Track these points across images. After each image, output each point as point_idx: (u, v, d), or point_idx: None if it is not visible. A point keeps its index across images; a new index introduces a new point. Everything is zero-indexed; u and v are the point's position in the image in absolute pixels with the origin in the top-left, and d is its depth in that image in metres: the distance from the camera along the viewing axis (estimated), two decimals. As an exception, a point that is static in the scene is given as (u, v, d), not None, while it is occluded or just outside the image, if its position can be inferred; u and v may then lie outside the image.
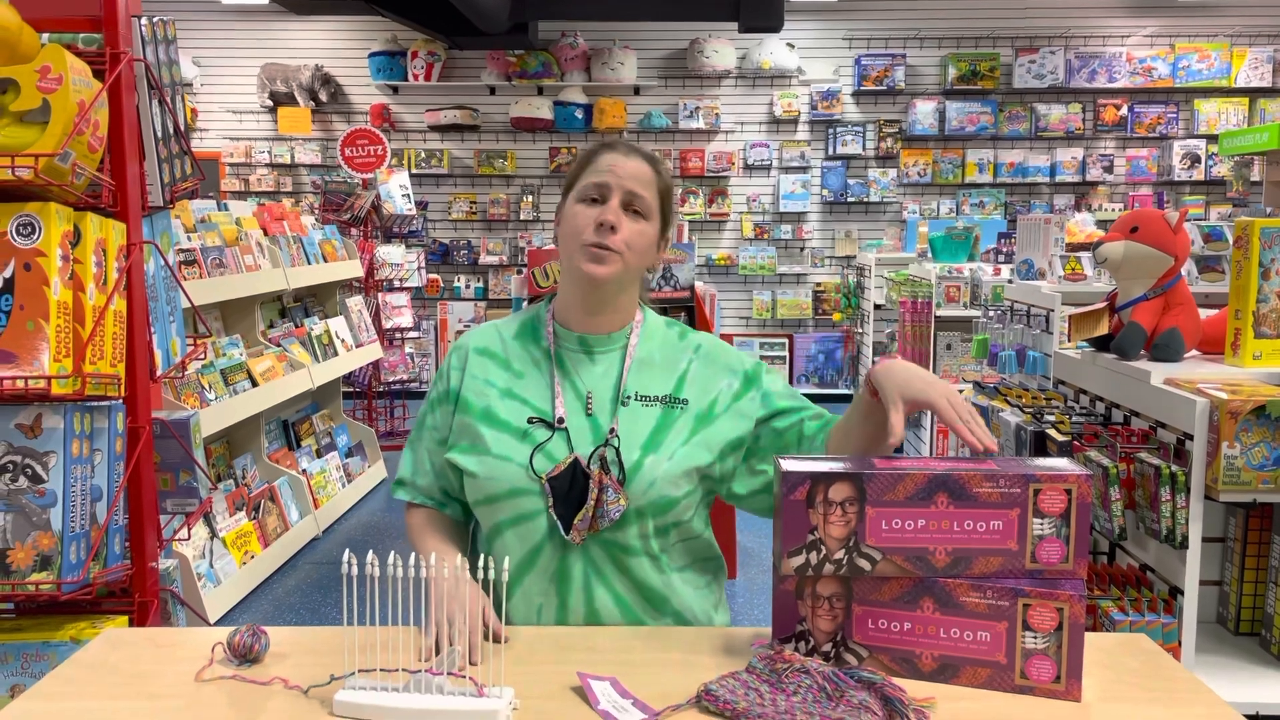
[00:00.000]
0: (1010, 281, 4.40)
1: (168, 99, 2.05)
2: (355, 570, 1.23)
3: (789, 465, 1.30)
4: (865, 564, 1.29)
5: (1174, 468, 1.84)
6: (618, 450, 1.53)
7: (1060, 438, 2.07)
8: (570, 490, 1.51)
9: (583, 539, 1.52)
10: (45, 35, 1.90)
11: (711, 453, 1.58)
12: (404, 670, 1.27)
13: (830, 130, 8.40)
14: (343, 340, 5.49)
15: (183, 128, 2.11)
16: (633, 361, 1.60)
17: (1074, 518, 1.26)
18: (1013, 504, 1.26)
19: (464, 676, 1.23)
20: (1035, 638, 1.26)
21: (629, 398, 1.57)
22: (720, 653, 1.40)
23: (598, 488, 1.50)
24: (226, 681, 1.31)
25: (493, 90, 8.50)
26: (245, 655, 1.36)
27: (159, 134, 2.02)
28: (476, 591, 1.43)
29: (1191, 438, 1.84)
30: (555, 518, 1.51)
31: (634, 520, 1.53)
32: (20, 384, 1.68)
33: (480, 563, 1.26)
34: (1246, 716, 1.24)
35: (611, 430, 1.54)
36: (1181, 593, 1.89)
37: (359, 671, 1.26)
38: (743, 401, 1.61)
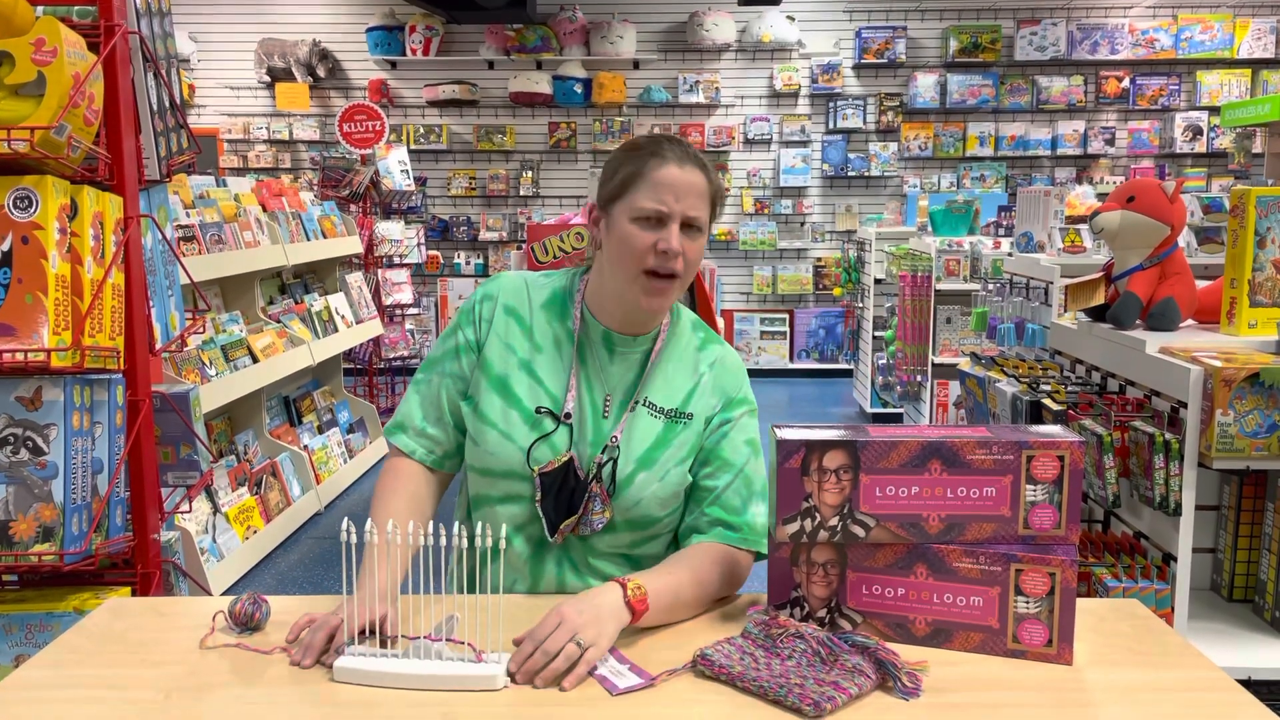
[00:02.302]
0: (1010, 254, 4.39)
1: (163, 72, 2.05)
2: (354, 538, 1.24)
3: (784, 434, 1.31)
4: (859, 530, 1.30)
5: (1168, 435, 1.85)
6: (615, 460, 1.51)
7: (1055, 407, 2.08)
8: (560, 489, 1.50)
9: (563, 540, 1.52)
10: (40, 8, 1.89)
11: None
12: (403, 636, 1.28)
13: (831, 104, 8.36)
14: (343, 317, 5.49)
15: (178, 101, 2.11)
16: (652, 367, 1.56)
17: (1066, 484, 1.27)
18: (1005, 470, 1.27)
19: (462, 643, 1.25)
20: (1027, 602, 1.28)
21: (638, 403, 1.54)
22: (716, 619, 1.42)
23: (586, 496, 1.49)
24: (229, 649, 1.33)
25: (491, 65, 8.46)
26: (246, 623, 1.37)
27: (154, 107, 2.02)
28: (380, 586, 1.35)
29: (1186, 405, 1.85)
30: (540, 511, 1.51)
31: (615, 531, 1.53)
32: (20, 357, 1.69)
33: (479, 529, 1.27)
34: (1239, 681, 1.25)
35: (614, 438, 1.52)
36: (1175, 559, 1.90)
37: (359, 638, 1.28)
38: (711, 424, 1.57)
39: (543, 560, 1.55)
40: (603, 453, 1.51)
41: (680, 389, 1.57)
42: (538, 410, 1.52)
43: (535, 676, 1.22)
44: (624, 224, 1.48)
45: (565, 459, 1.50)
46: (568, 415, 1.52)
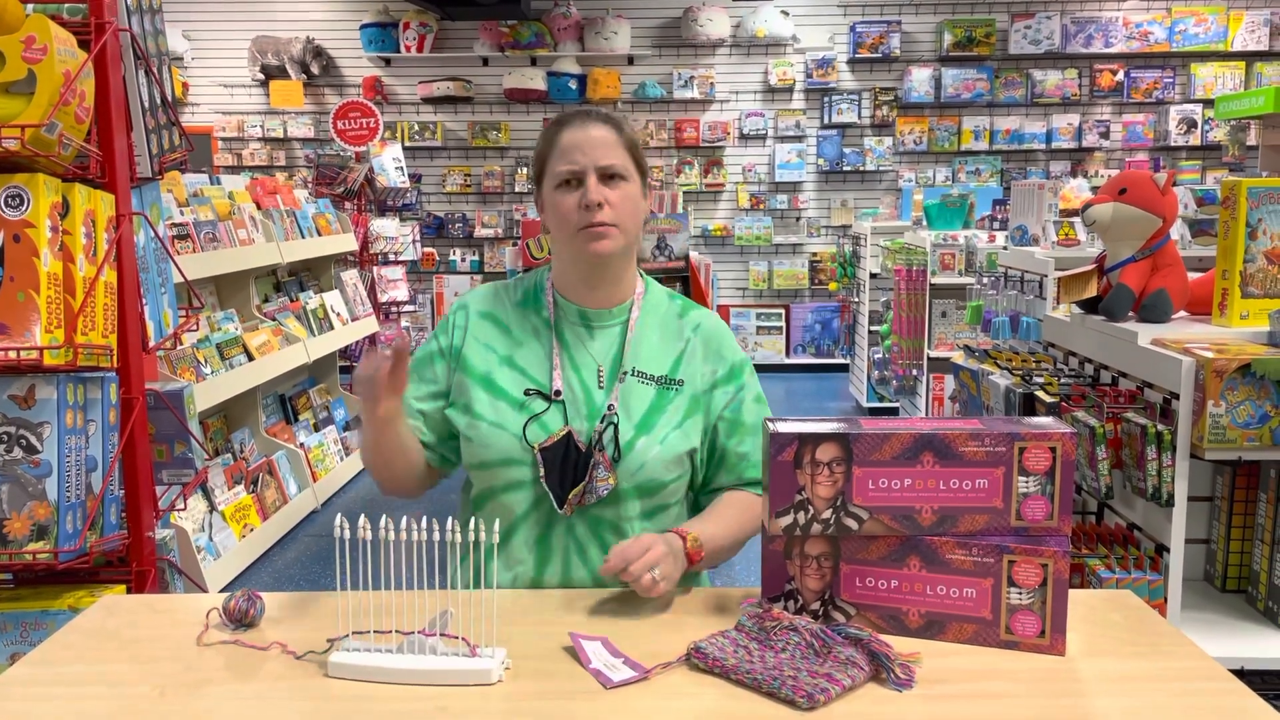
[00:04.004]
0: (1005, 248, 4.39)
1: (154, 69, 2.05)
2: (348, 534, 1.24)
3: (777, 427, 1.31)
4: (852, 523, 1.30)
5: (1160, 427, 1.85)
6: (615, 426, 1.54)
7: (1048, 399, 2.09)
8: (563, 463, 1.52)
9: (573, 511, 1.53)
10: (30, 5, 1.89)
11: (697, 437, 1.59)
12: (398, 632, 1.29)
13: (825, 99, 8.36)
14: (338, 314, 5.49)
15: (170, 98, 2.10)
16: (633, 336, 1.60)
17: (1058, 475, 1.27)
18: (998, 462, 1.28)
19: (457, 638, 1.25)
20: (1020, 594, 1.28)
21: (626, 373, 1.58)
22: (710, 612, 1.42)
23: (591, 464, 1.51)
24: (224, 646, 1.33)
25: (485, 61, 8.45)
26: (241, 620, 1.37)
27: (146, 104, 2.01)
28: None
29: (1178, 397, 1.86)
30: (545, 488, 1.53)
31: (622, 500, 1.54)
32: (12, 355, 1.69)
33: (472, 524, 1.28)
34: (1232, 671, 1.26)
35: (610, 407, 1.55)
36: (1168, 550, 1.91)
37: (353, 634, 1.28)
38: (717, 392, 1.62)
39: (549, 544, 1.56)
40: (601, 421, 1.54)
41: (667, 356, 1.61)
42: (526, 392, 1.56)
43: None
44: (551, 195, 1.56)
45: (563, 433, 1.53)
46: (557, 393, 1.56)
